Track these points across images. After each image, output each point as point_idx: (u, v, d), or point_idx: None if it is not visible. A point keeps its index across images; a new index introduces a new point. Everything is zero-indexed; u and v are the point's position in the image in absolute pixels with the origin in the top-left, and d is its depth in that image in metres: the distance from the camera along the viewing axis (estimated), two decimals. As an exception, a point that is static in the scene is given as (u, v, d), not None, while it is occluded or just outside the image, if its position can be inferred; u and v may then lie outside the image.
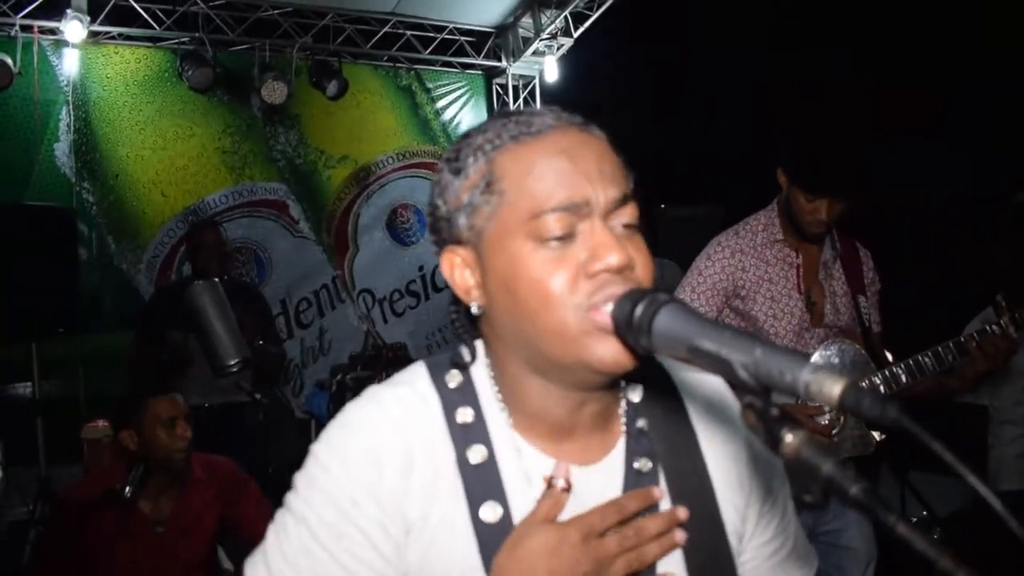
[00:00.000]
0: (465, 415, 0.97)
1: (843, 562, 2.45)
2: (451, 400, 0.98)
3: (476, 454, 0.95)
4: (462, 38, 6.74)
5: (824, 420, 2.37)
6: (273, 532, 0.98)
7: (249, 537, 2.80)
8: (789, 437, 0.68)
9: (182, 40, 5.79)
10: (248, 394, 3.81)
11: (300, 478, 0.98)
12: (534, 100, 7.17)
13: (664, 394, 1.05)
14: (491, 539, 0.91)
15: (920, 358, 2.43)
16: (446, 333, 6.99)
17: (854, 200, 2.40)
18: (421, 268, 6.87)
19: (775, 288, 2.49)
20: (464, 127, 7.10)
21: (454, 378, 1.00)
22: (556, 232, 0.87)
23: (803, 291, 2.50)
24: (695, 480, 1.01)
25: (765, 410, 0.70)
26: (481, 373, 1.01)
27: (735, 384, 0.72)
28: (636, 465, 0.99)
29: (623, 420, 1.02)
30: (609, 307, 0.84)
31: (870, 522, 2.48)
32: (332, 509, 0.93)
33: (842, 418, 2.37)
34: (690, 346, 0.74)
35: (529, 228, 0.88)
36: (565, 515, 0.93)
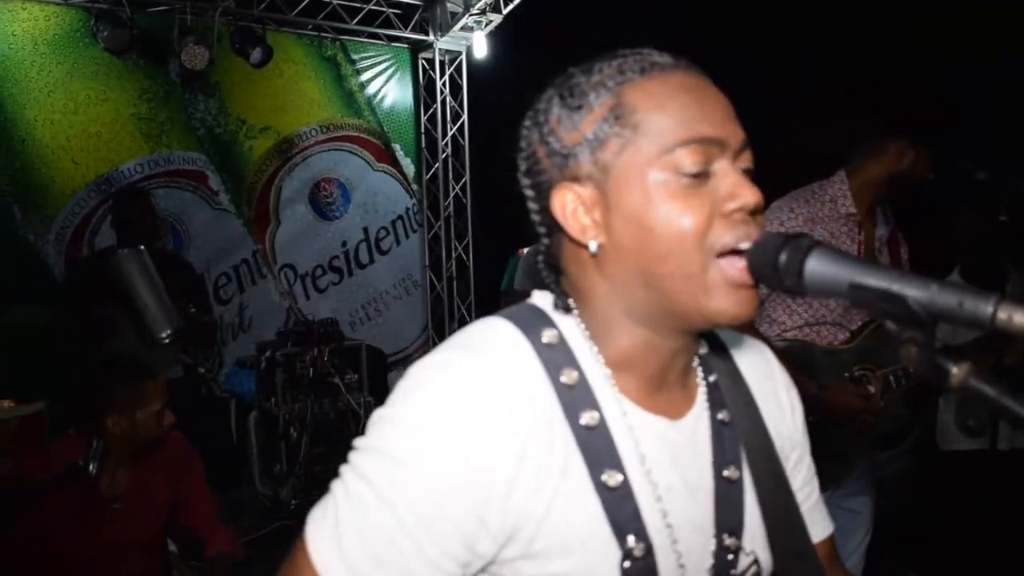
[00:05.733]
0: (571, 376, 0.90)
1: (845, 524, 2.42)
2: (551, 360, 0.90)
3: (588, 418, 0.89)
4: (389, 10, 6.60)
5: (870, 398, 2.33)
6: (347, 505, 0.84)
7: (186, 520, 2.67)
8: (955, 369, 0.71)
9: (96, -2, 5.46)
10: (189, 367, 3.66)
11: (383, 445, 0.84)
12: (461, 76, 7.09)
13: (716, 347, 1.06)
14: (615, 504, 0.87)
15: None
16: (369, 310, 6.88)
17: None
18: (344, 244, 6.76)
19: None
20: (389, 102, 6.97)
21: (548, 334, 0.92)
22: (692, 167, 0.85)
23: None
24: (760, 434, 1.02)
25: (929, 343, 0.72)
26: (571, 328, 0.95)
27: (897, 318, 0.73)
28: (720, 416, 0.99)
29: (699, 372, 1.02)
30: (744, 246, 0.85)
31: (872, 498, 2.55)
32: (426, 499, 0.82)
33: (886, 396, 2.36)
34: (852, 283, 0.76)
35: (664, 162, 0.86)
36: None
